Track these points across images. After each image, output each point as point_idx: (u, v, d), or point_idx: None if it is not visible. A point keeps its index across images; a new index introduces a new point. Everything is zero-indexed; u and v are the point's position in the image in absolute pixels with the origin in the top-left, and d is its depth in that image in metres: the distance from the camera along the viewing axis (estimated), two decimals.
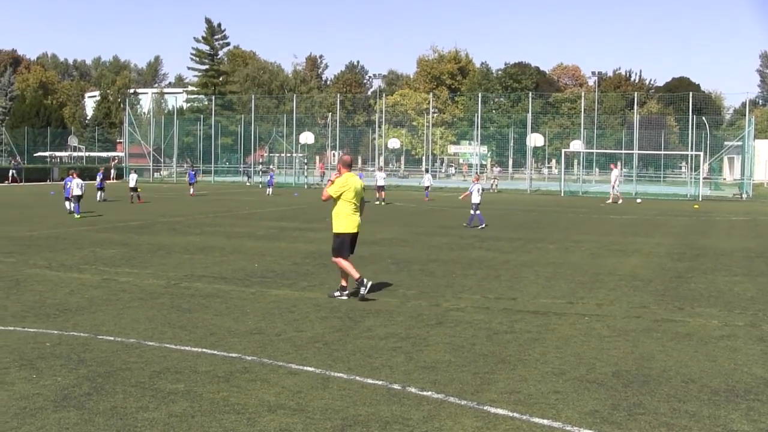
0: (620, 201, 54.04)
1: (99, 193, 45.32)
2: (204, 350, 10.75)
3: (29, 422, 7.78)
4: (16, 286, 15.97)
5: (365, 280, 14.94)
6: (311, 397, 8.72)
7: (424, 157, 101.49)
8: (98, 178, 46.22)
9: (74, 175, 35.59)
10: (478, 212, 31.47)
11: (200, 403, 8.43)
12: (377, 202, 48.28)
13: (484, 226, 30.92)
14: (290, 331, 12.09)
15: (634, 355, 10.88)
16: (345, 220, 15.26)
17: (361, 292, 14.81)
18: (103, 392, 8.79)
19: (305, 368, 9.90)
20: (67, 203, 35.71)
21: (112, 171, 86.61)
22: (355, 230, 15.45)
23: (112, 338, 11.39)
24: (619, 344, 11.48)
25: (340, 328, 12.35)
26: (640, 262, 21.16)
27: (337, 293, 15.24)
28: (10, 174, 78.52)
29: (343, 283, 15.34)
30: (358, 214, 15.50)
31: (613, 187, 55.66)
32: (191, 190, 54.87)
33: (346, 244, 15.34)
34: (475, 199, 31.49)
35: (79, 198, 34.41)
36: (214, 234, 27.15)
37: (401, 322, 12.91)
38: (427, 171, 66.38)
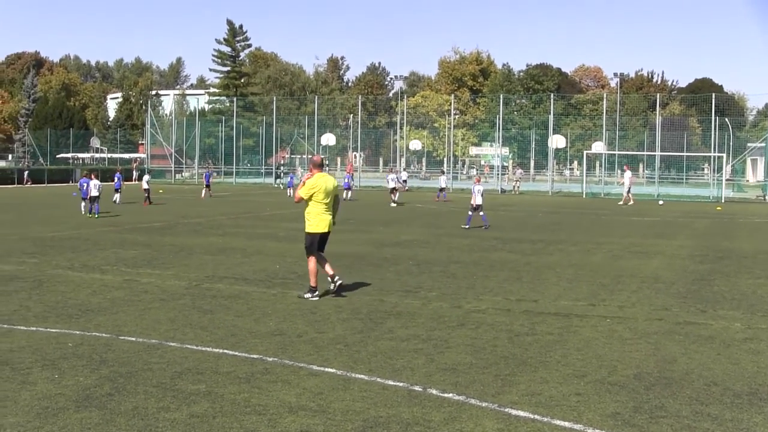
0: (631, 203, 53.87)
1: (116, 195, 44.91)
2: (225, 351, 10.77)
3: (51, 422, 7.81)
4: (38, 286, 16.04)
5: (316, 292, 15.21)
6: (332, 398, 8.72)
7: (444, 159, 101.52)
8: (116, 179, 45.81)
9: (93, 176, 35.90)
10: (482, 213, 31.73)
11: (221, 404, 8.45)
12: (393, 204, 48.30)
13: (487, 226, 31.24)
14: (311, 332, 12.09)
15: (656, 357, 10.83)
16: (316, 219, 15.42)
17: (305, 296, 15.19)
18: (125, 392, 8.81)
19: (326, 369, 9.91)
20: (83, 204, 35.87)
21: (134, 172, 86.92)
22: (326, 230, 15.57)
23: (133, 339, 11.42)
24: (641, 346, 11.44)
25: (362, 329, 12.34)
26: (663, 264, 21.09)
27: (308, 294, 15.27)
28: (25, 175, 78.11)
29: (314, 283, 15.35)
30: (330, 213, 15.59)
31: (628, 189, 55.60)
32: (203, 192, 54.39)
33: (315, 244, 15.52)
34: (477, 200, 31.75)
35: (96, 198, 34.73)
36: (236, 235, 27.19)
37: (422, 323, 12.90)
38: (442, 173, 66.21)
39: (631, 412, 8.42)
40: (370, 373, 9.74)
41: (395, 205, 47.92)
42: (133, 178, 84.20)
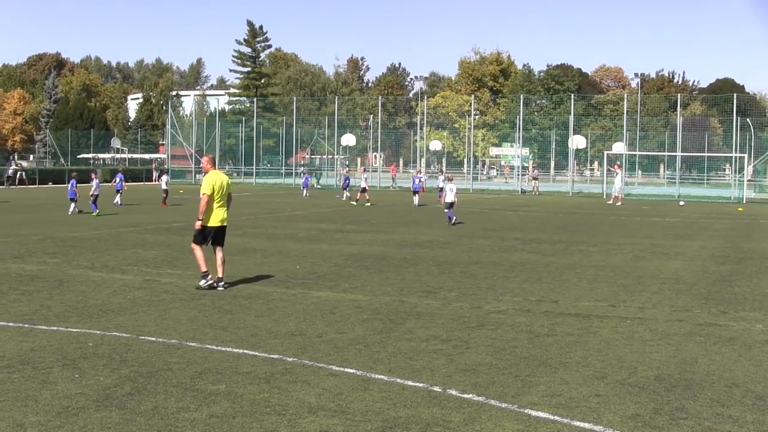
0: (620, 203, 53.76)
1: (117, 196, 44.27)
2: (245, 351, 10.78)
3: (72, 421, 7.84)
4: (59, 286, 16.10)
5: (209, 277, 16.06)
6: (352, 398, 8.73)
7: (464, 160, 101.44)
8: (117, 179, 44.72)
9: (94, 176, 37.52)
10: (447, 211, 33.36)
11: (241, 404, 8.46)
12: (367, 204, 48.64)
13: (454, 222, 32.91)
14: (331, 332, 12.10)
15: (677, 359, 10.79)
16: (209, 214, 16.22)
17: (200, 284, 16.08)
18: (145, 392, 8.84)
19: (346, 370, 9.91)
20: (72, 206, 36.26)
21: (154, 173, 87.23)
22: (218, 224, 16.36)
23: (153, 339, 11.45)
24: (662, 348, 11.40)
25: (381, 330, 12.34)
26: (683, 265, 21.01)
27: (203, 282, 16.10)
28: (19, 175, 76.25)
29: (204, 269, 16.08)
30: (224, 209, 16.47)
31: (620, 188, 55.60)
32: None
33: (206, 236, 16.30)
34: (449, 198, 33.07)
35: (96, 197, 36.02)
36: (256, 236, 27.22)
37: (442, 324, 12.89)
38: (441, 172, 66.00)
39: (652, 414, 8.39)
40: (389, 374, 9.74)
41: (368, 204, 48.28)
42: (154, 178, 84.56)
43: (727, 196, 64.17)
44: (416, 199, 48.43)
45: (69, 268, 18.53)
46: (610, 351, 11.15)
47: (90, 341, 11.27)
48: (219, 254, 16.34)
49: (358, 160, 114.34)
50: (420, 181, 49.94)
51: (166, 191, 45.74)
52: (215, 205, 16.23)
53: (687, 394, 9.13)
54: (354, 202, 49.05)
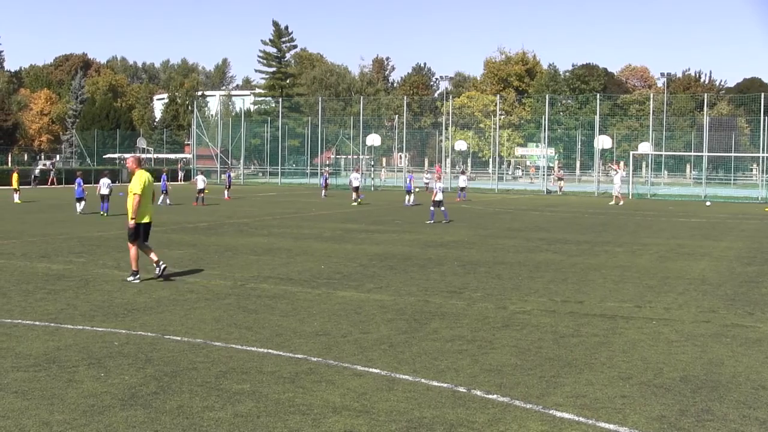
0: (621, 203, 53.54)
1: (162, 196, 44.31)
2: (270, 351, 10.80)
3: (97, 420, 7.88)
4: (85, 285, 16.18)
5: (138, 275, 16.85)
6: (376, 398, 8.73)
7: (489, 160, 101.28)
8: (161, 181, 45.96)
9: (105, 175, 37.90)
10: (432, 209, 34.27)
11: (266, 404, 8.47)
12: (354, 203, 48.71)
13: (432, 222, 33.62)
14: (356, 332, 12.10)
15: (703, 360, 10.74)
16: (140, 211, 16.96)
17: (128, 279, 16.82)
18: (170, 391, 8.87)
19: (371, 370, 9.91)
20: (78, 205, 36.54)
21: (180, 173, 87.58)
22: (148, 220, 17.21)
23: (178, 338, 11.49)
24: (688, 349, 11.34)
25: (406, 330, 12.34)
26: (710, 266, 20.90)
27: (131, 278, 16.86)
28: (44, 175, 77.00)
29: (135, 267, 16.92)
30: (150, 205, 17.40)
31: (619, 188, 55.45)
32: (226, 194, 53.32)
33: (139, 233, 17.02)
34: (438, 196, 33.97)
35: (106, 197, 36.32)
36: (281, 235, 27.27)
37: (467, 324, 12.87)
38: (462, 173, 65.90)
39: (677, 416, 8.34)
40: (414, 374, 9.73)
41: (356, 204, 48.28)
42: (179, 178, 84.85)
43: (754, 197, 63.84)
44: (409, 199, 48.40)
45: (95, 268, 18.62)
46: (636, 352, 11.11)
47: (115, 340, 11.32)
48: (147, 245, 17.30)
49: (383, 160, 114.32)
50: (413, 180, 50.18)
51: (201, 191, 45.93)
52: (145, 202, 17.06)
53: (713, 396, 9.08)
54: (355, 203, 48.91)
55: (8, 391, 8.80)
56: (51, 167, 79.00)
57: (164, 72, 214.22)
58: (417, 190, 52.78)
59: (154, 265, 16.92)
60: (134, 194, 16.79)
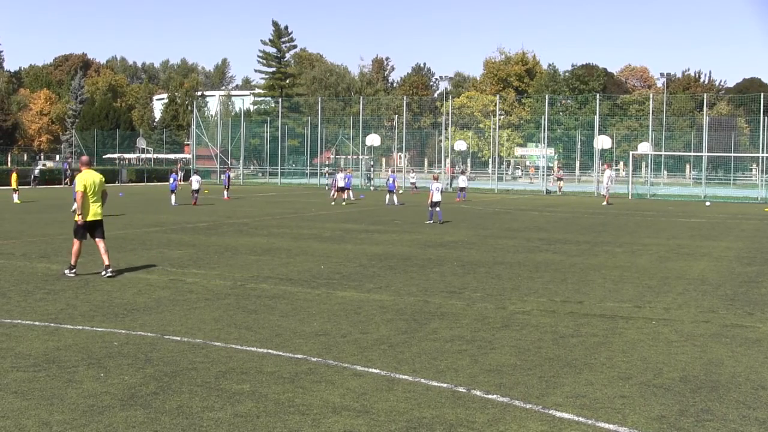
0: (605, 203, 53.45)
1: (173, 196, 44.99)
2: (269, 351, 10.81)
3: (97, 420, 7.88)
4: (85, 286, 16.18)
5: (74, 270, 17.65)
6: (376, 398, 8.73)
7: (489, 160, 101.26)
8: (171, 180, 46.13)
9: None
10: (438, 209, 34.07)
11: (265, 404, 8.48)
12: (343, 203, 48.82)
13: (441, 221, 33.74)
14: (355, 332, 12.11)
15: (703, 360, 10.74)
16: (84, 210, 17.58)
17: (66, 272, 17.65)
18: (170, 391, 8.87)
19: (370, 370, 9.91)
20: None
21: (180, 173, 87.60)
22: (92, 218, 17.76)
23: (178, 338, 11.49)
24: (687, 349, 11.35)
25: (406, 330, 12.34)
26: (709, 266, 20.90)
27: (67, 271, 17.69)
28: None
29: (74, 261, 17.69)
30: (98, 204, 17.89)
31: (607, 188, 55.37)
32: (225, 194, 53.03)
33: (84, 230, 17.67)
34: (436, 197, 33.70)
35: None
36: (281, 235, 27.27)
37: (467, 324, 12.88)
38: (462, 173, 65.83)
39: (677, 416, 8.35)
40: (414, 374, 9.74)
41: (344, 203, 48.21)
42: (179, 179, 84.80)
43: (754, 197, 63.82)
44: (390, 198, 48.58)
45: (95, 268, 18.61)
46: (635, 352, 11.12)
47: (115, 340, 11.32)
48: (101, 245, 17.75)
49: (383, 160, 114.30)
50: (395, 180, 50.18)
51: (196, 191, 46.07)
52: (90, 201, 17.68)
53: (713, 396, 9.08)
54: (333, 203, 48.80)
55: (8, 391, 8.81)
56: (68, 167, 79.53)
57: (164, 72, 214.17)
58: (401, 191, 53.03)
59: (104, 266, 17.64)
60: (77, 192, 17.58)
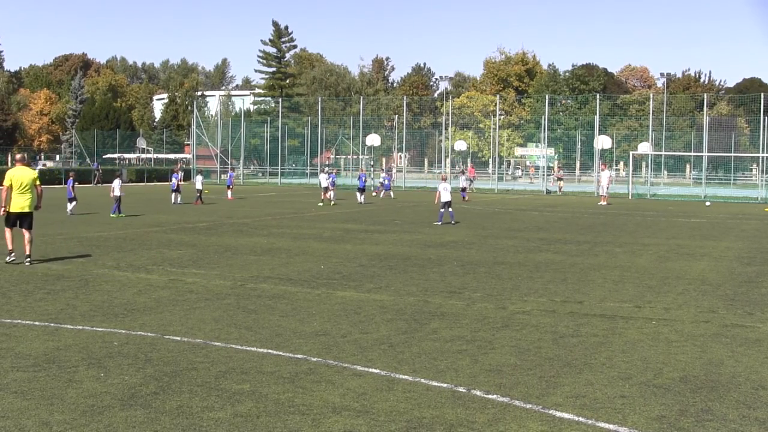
0: (602, 203, 53.34)
1: (173, 195, 45.52)
2: (269, 351, 10.80)
3: (97, 420, 7.88)
4: (85, 286, 16.18)
5: (12, 255, 19.36)
6: (376, 398, 8.73)
7: (489, 160, 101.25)
8: (172, 180, 46.56)
9: (118, 176, 38.28)
10: (450, 210, 33.88)
11: (265, 404, 8.48)
12: (324, 203, 48.47)
13: (451, 222, 33.60)
14: (355, 332, 12.11)
15: (703, 360, 10.74)
16: (11, 201, 19.25)
17: (7, 260, 19.24)
18: (170, 391, 8.87)
19: (370, 370, 9.91)
20: (69, 206, 36.30)
21: (180, 173, 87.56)
22: (18, 210, 19.35)
23: (178, 338, 11.49)
24: (687, 349, 11.34)
25: (406, 330, 12.34)
26: (709, 266, 20.90)
27: (8, 258, 19.30)
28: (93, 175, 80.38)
29: (10, 247, 19.38)
30: (25, 197, 19.39)
31: (606, 188, 55.30)
32: (228, 194, 53.22)
33: (11, 220, 19.42)
34: (445, 197, 33.46)
35: (119, 198, 35.66)
36: (281, 235, 27.27)
37: (467, 324, 12.87)
38: (462, 173, 65.77)
39: (677, 416, 8.35)
40: (414, 374, 9.74)
41: (321, 204, 47.82)
42: (180, 179, 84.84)
43: (754, 197, 63.79)
44: (360, 197, 49.35)
45: (94, 268, 18.63)
46: (635, 352, 11.11)
47: (115, 340, 11.32)
48: (26, 236, 19.33)
49: (383, 160, 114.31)
50: (365, 179, 50.42)
51: (200, 191, 46.58)
52: (16, 194, 19.22)
53: (713, 396, 9.08)
54: (321, 204, 48.58)
55: (8, 391, 8.80)
56: (97, 170, 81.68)
57: (164, 72, 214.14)
58: (374, 194, 53.46)
59: (26, 255, 19.27)
60: (4, 187, 19.17)
